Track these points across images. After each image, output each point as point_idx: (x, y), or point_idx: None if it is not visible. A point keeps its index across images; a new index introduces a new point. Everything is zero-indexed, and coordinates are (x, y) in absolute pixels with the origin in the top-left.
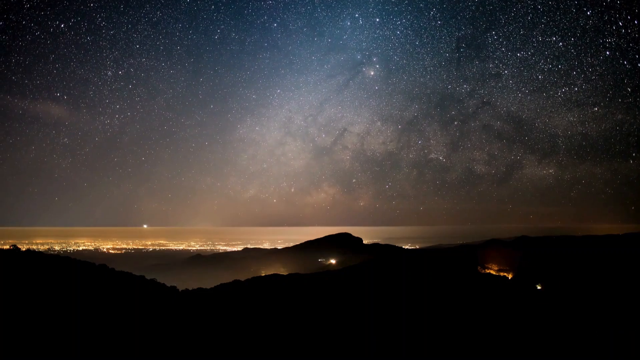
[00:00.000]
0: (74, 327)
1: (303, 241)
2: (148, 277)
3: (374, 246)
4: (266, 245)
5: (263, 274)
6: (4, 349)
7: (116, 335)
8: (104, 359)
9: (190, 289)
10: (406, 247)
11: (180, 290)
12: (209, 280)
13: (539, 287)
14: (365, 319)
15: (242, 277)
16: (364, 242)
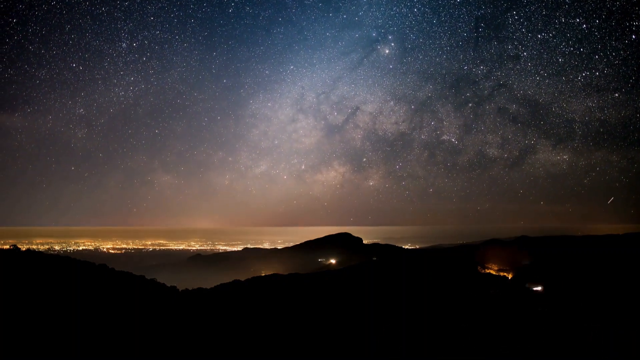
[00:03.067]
0: (74, 327)
1: (303, 241)
2: (148, 277)
3: (374, 246)
4: (266, 245)
5: (263, 274)
6: (4, 349)
7: (116, 335)
8: (104, 359)
9: (190, 289)
10: (406, 247)
11: (180, 290)
12: (209, 280)
13: (539, 287)
14: (365, 319)
15: (242, 277)
16: (364, 242)
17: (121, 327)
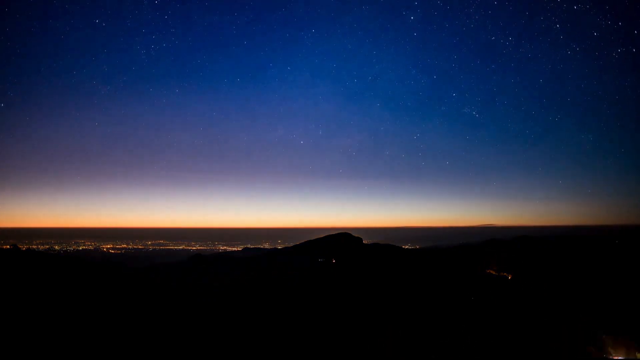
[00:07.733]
0: (73, 326)
1: (303, 241)
2: (148, 277)
3: (374, 246)
4: (266, 245)
5: (262, 274)
6: (4, 348)
7: (116, 333)
8: (104, 358)
9: (190, 288)
10: (406, 247)
11: (180, 290)
12: (209, 280)
13: (538, 287)
14: (365, 318)
15: (242, 277)
16: (364, 242)
17: (121, 325)
